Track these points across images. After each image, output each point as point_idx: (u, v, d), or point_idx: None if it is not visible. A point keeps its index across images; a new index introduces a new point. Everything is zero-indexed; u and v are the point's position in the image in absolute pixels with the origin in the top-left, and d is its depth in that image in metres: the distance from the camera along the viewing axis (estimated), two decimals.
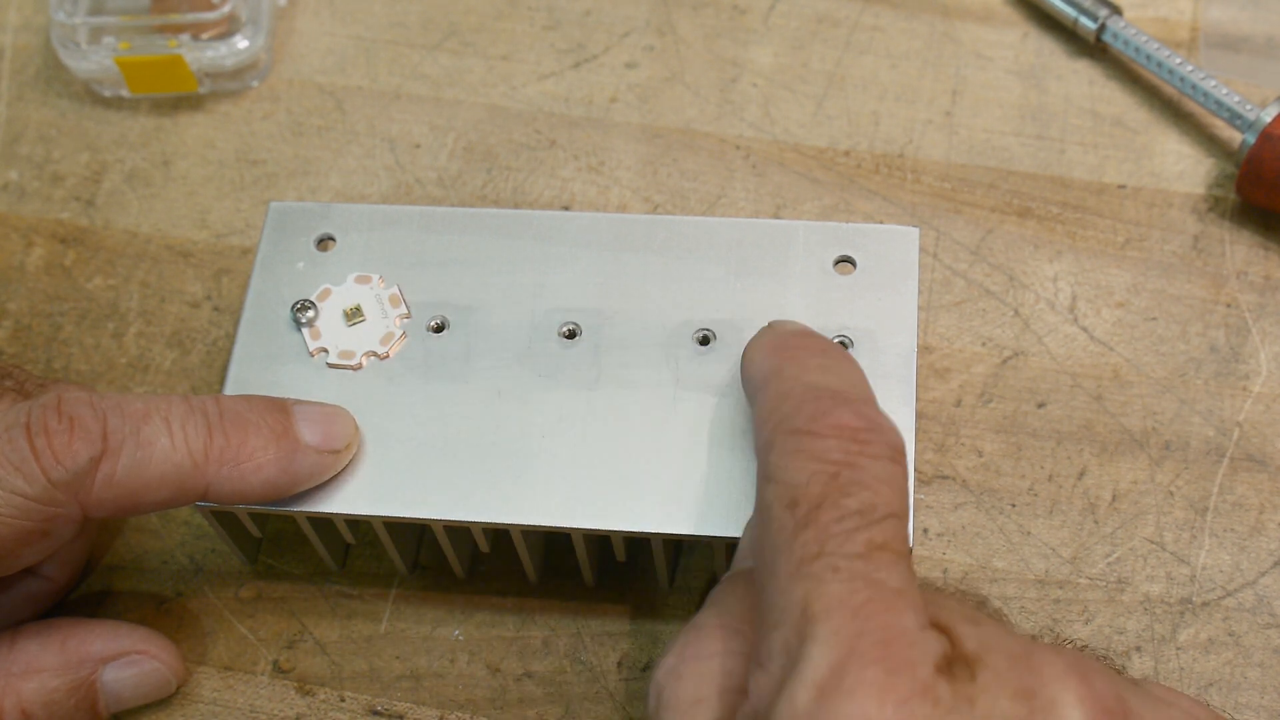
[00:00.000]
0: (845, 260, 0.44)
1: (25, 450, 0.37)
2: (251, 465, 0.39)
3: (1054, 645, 0.31)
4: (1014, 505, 0.46)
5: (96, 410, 0.38)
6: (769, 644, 0.30)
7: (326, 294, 0.45)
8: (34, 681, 0.40)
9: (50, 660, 0.41)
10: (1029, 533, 0.45)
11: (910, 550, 0.32)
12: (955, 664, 0.29)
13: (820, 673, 0.28)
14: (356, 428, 0.41)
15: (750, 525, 0.37)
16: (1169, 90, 0.54)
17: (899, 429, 0.34)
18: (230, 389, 0.43)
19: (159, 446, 0.38)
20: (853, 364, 0.37)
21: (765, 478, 0.33)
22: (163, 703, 0.44)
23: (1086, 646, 0.43)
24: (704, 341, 0.43)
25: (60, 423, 0.38)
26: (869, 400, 0.35)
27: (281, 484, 0.40)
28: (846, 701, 0.27)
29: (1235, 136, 0.52)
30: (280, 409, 0.40)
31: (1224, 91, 0.51)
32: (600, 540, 0.44)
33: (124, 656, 0.42)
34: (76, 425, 0.38)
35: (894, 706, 0.27)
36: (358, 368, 0.43)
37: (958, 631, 0.30)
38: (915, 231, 0.45)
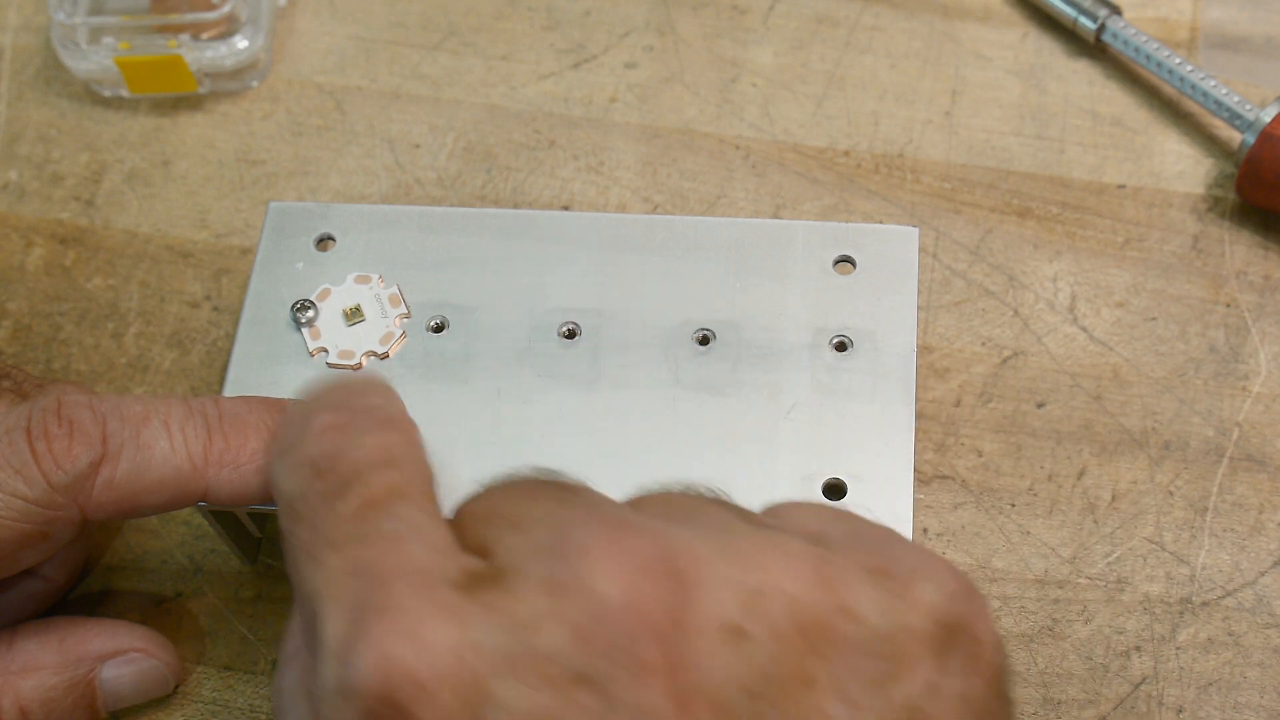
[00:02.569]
0: (845, 260, 0.44)
1: (26, 453, 0.37)
2: (252, 467, 0.39)
3: (600, 516, 0.28)
4: (1013, 505, 0.46)
5: (96, 413, 0.38)
6: (309, 640, 0.29)
7: (326, 294, 0.45)
8: (32, 679, 0.40)
9: (48, 658, 0.41)
10: (1028, 532, 0.45)
11: (425, 486, 0.31)
12: (484, 579, 0.27)
13: (335, 644, 0.27)
14: None
15: None
16: (1169, 90, 0.54)
17: (393, 406, 0.33)
18: (230, 389, 0.43)
19: (158, 449, 0.38)
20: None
21: (277, 506, 0.33)
22: (163, 703, 0.44)
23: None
24: (704, 341, 0.43)
25: (60, 426, 0.38)
26: (357, 399, 0.34)
27: None
28: (365, 658, 0.26)
29: (1235, 136, 0.52)
30: (280, 409, 0.40)
31: (1224, 91, 0.51)
32: None
33: (122, 654, 0.42)
34: (76, 428, 0.38)
35: (409, 641, 0.26)
36: (357, 368, 0.43)
37: (494, 546, 0.29)
38: (915, 231, 0.45)
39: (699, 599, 0.27)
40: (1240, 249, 0.50)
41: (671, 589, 0.27)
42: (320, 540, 0.29)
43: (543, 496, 0.30)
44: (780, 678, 0.26)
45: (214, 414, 0.39)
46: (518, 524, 0.29)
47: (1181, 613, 0.43)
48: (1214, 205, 0.51)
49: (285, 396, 0.42)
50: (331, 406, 0.33)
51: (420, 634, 0.26)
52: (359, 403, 0.33)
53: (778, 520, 0.31)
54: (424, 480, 0.31)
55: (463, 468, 0.41)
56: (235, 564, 0.46)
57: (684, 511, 0.30)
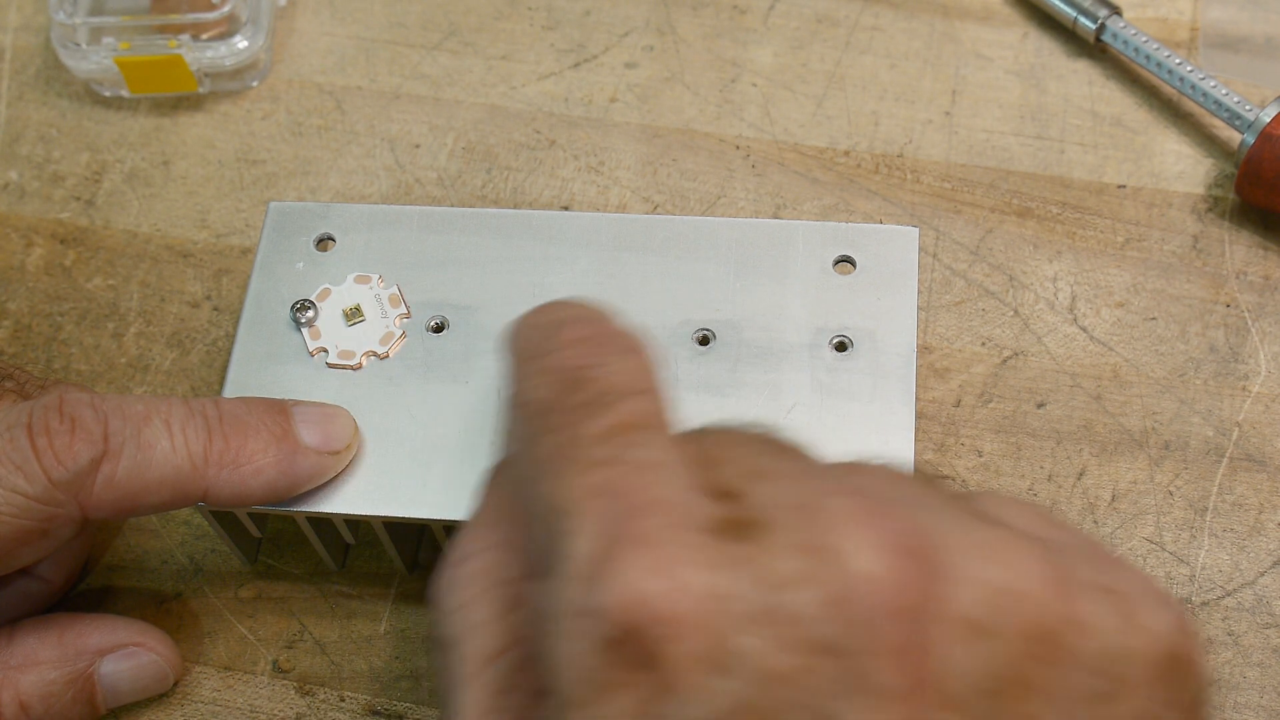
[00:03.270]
0: (845, 260, 0.44)
1: (27, 449, 0.37)
2: (251, 468, 0.39)
3: (852, 487, 0.28)
4: None
5: (98, 411, 0.38)
6: (535, 551, 0.29)
7: (326, 294, 0.45)
8: (32, 674, 0.41)
9: (48, 653, 0.41)
10: None
11: (667, 421, 0.31)
12: (735, 527, 0.27)
13: (582, 565, 0.26)
14: (356, 428, 0.41)
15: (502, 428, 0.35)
16: (1168, 90, 0.54)
17: (635, 331, 0.33)
18: (230, 389, 0.43)
19: (159, 449, 0.38)
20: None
21: (509, 405, 0.32)
22: (163, 703, 0.44)
23: (944, 476, 0.40)
24: (704, 341, 0.43)
25: (62, 423, 0.38)
26: (604, 320, 0.34)
27: (281, 486, 0.40)
28: (615, 586, 0.26)
29: (1235, 136, 0.52)
30: (279, 410, 0.40)
31: (1223, 91, 0.51)
32: None
33: (121, 649, 0.42)
34: (78, 426, 0.38)
35: (664, 578, 0.25)
36: (358, 368, 0.43)
37: (744, 491, 0.28)
38: (915, 231, 0.45)
39: (948, 589, 0.26)
40: (1240, 249, 0.50)
41: (924, 574, 0.26)
42: (569, 453, 0.29)
43: (782, 453, 0.30)
44: (1007, 680, 0.26)
45: (214, 415, 0.39)
46: (765, 475, 0.29)
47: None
48: (1214, 205, 0.51)
49: (285, 396, 0.42)
50: (581, 320, 0.33)
51: (675, 573, 0.26)
52: (607, 322, 0.33)
53: (997, 514, 0.30)
54: (668, 414, 0.31)
55: (463, 467, 0.41)
56: (235, 564, 0.46)
57: (910, 491, 0.29)
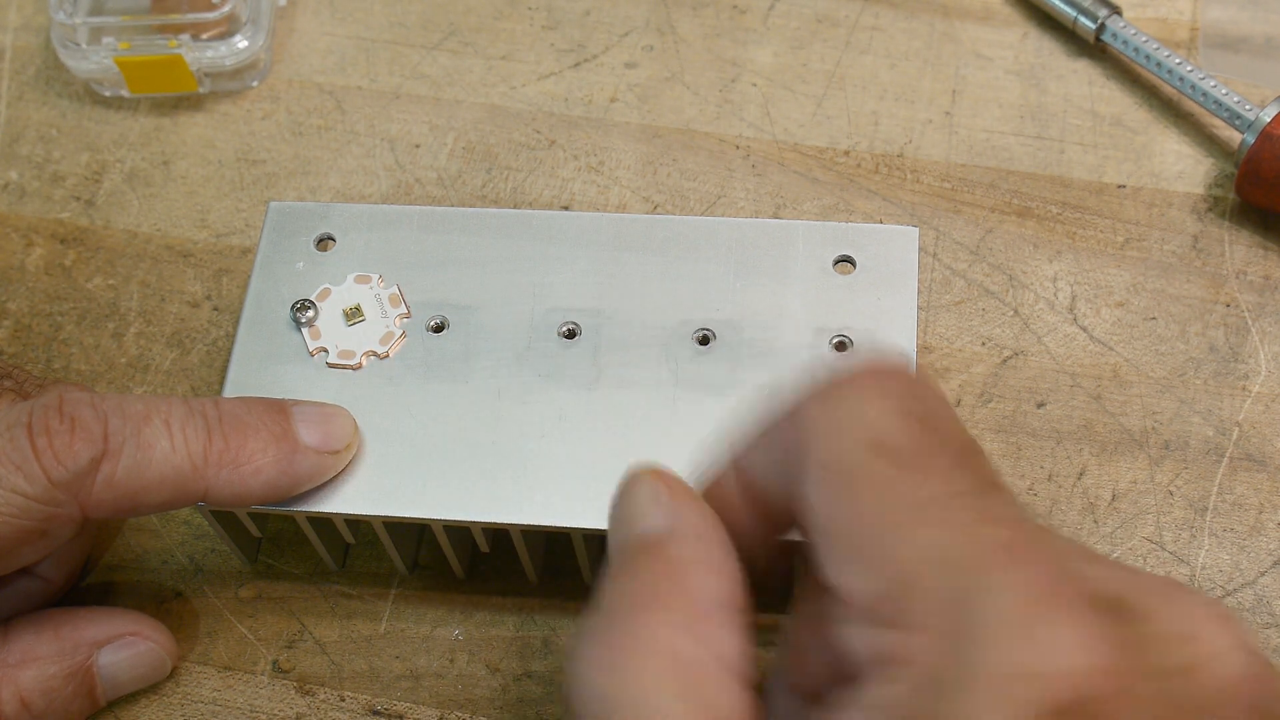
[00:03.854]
0: (845, 260, 0.44)
1: (26, 449, 0.37)
2: (251, 468, 0.39)
3: (1183, 585, 0.28)
4: None
5: (98, 411, 0.38)
6: (890, 608, 0.27)
7: (326, 294, 0.45)
8: (31, 670, 0.41)
9: (46, 648, 0.41)
10: None
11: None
12: (1111, 607, 0.26)
13: (1010, 625, 0.25)
14: (356, 428, 0.41)
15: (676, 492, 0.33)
16: (1168, 90, 0.54)
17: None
18: (230, 389, 0.43)
19: (159, 448, 0.38)
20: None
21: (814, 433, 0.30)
22: (163, 703, 0.44)
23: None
24: (704, 341, 0.43)
25: (62, 423, 0.38)
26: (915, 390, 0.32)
27: (281, 485, 0.40)
28: (1047, 653, 0.25)
29: (1235, 136, 0.52)
30: (279, 410, 0.40)
31: (1223, 91, 0.51)
32: (600, 540, 0.44)
33: (118, 639, 0.42)
34: (78, 425, 0.38)
35: (1093, 655, 0.25)
36: (358, 367, 0.43)
37: (1086, 572, 0.27)
38: (915, 231, 0.45)
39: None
40: (1240, 249, 0.50)
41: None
42: (927, 492, 0.28)
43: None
44: None
45: (214, 415, 0.39)
46: (1085, 554, 0.28)
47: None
48: (1214, 205, 0.51)
49: (285, 396, 0.42)
50: (893, 392, 0.30)
51: (1102, 655, 0.25)
52: (926, 391, 0.31)
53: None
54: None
55: (463, 468, 0.41)
56: (235, 564, 0.46)
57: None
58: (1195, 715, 0.26)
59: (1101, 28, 0.54)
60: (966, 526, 0.27)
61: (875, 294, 0.43)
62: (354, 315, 0.44)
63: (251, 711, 0.44)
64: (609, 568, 0.31)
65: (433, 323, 0.44)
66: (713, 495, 0.33)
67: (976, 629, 0.26)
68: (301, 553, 0.46)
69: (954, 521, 0.27)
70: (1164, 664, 0.26)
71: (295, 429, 0.40)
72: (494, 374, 0.43)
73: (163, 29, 0.55)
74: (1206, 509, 0.45)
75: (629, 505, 0.32)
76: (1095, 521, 0.45)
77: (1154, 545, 0.45)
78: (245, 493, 0.39)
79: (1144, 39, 0.53)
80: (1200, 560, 0.44)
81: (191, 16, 0.55)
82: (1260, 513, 0.45)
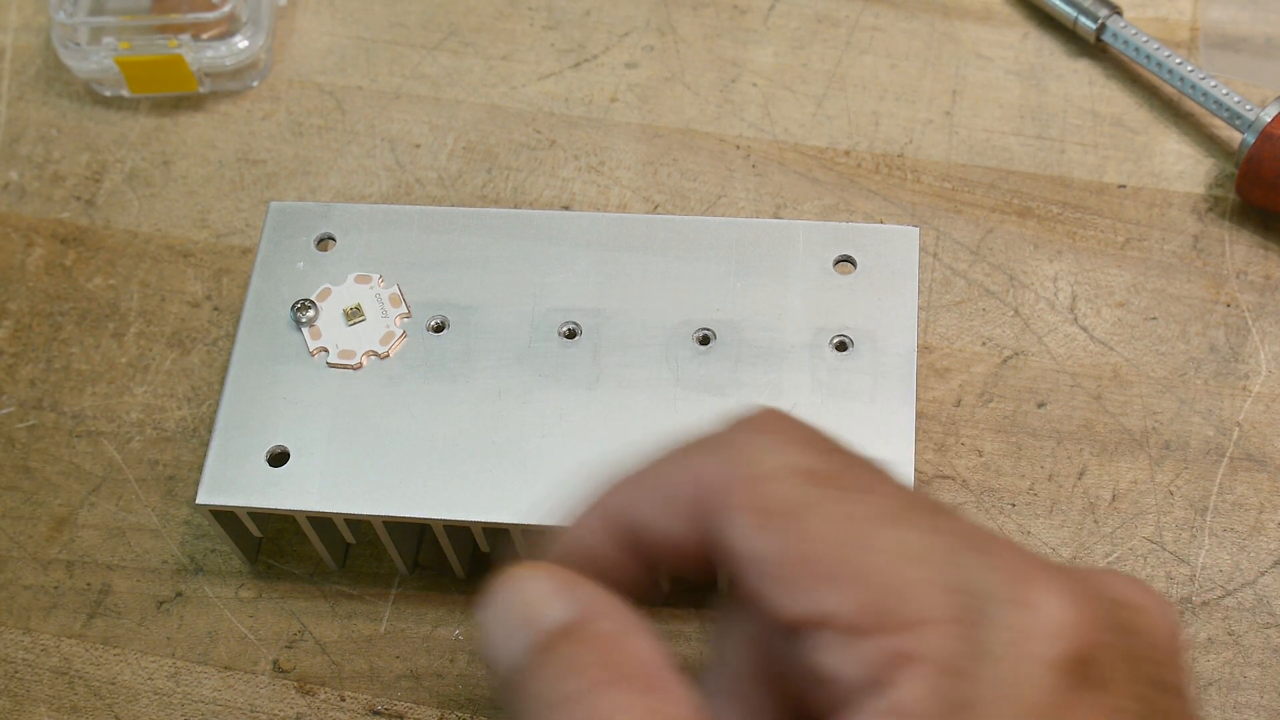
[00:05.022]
0: (845, 260, 0.44)
1: None
2: None
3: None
4: (1014, 505, 0.46)
5: None
6: (877, 616, 0.27)
7: (326, 294, 0.45)
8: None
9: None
10: (1029, 532, 0.45)
11: None
12: (1070, 575, 0.29)
13: (1007, 597, 0.27)
14: None
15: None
16: (1169, 90, 0.54)
17: None
18: (230, 389, 0.43)
19: None
20: None
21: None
22: (163, 703, 0.44)
23: None
24: (704, 341, 0.43)
25: None
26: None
27: None
28: (1048, 615, 0.27)
29: (1235, 136, 0.52)
30: None
31: (1224, 91, 0.51)
32: None
33: None
34: None
35: (1081, 612, 0.27)
36: (358, 367, 0.43)
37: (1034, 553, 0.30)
38: (915, 231, 0.45)
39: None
40: (1240, 249, 0.50)
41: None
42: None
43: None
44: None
45: None
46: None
47: (1182, 612, 0.43)
48: (1214, 205, 0.51)
49: (285, 396, 0.42)
50: (789, 428, 0.31)
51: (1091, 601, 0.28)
52: (805, 424, 0.32)
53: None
54: None
55: (463, 468, 0.41)
56: (236, 564, 0.46)
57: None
58: (1153, 666, 0.28)
59: (1102, 28, 0.54)
60: (924, 524, 0.28)
61: (876, 294, 0.43)
62: (354, 315, 0.44)
63: (252, 711, 0.44)
64: (514, 675, 0.30)
65: (433, 323, 0.44)
66: (582, 550, 0.33)
67: (982, 607, 0.27)
68: (302, 553, 0.46)
69: (912, 522, 0.28)
70: (1119, 621, 0.28)
71: None
72: (494, 374, 0.43)
73: (163, 29, 0.55)
74: (1207, 509, 0.45)
75: (521, 609, 0.31)
76: (1095, 521, 0.45)
77: (1154, 545, 0.45)
78: None
79: (1144, 39, 0.53)
80: (1200, 560, 0.44)
81: (192, 16, 0.55)
82: (1260, 513, 0.45)
